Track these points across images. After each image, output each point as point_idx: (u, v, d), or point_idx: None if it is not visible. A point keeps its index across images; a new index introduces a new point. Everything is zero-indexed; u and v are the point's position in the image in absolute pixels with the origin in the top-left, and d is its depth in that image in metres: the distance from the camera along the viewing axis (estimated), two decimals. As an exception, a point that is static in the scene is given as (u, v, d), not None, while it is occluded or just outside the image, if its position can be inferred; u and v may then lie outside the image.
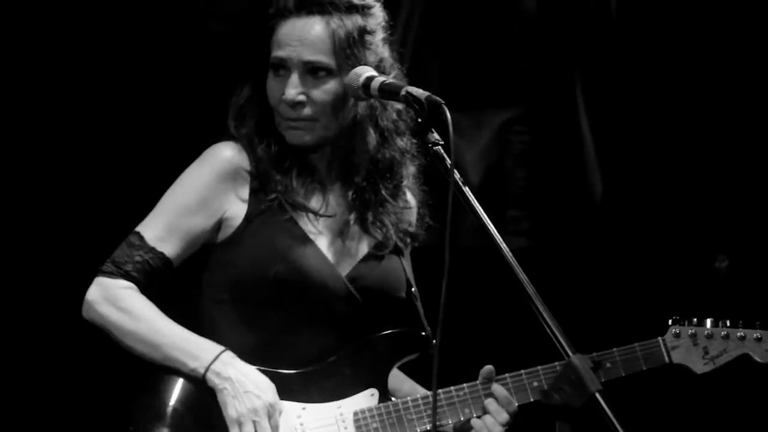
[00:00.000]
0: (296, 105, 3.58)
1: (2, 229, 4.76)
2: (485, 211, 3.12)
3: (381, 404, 3.56)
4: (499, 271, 3.08)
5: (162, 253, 3.55)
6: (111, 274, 3.53)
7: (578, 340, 3.01)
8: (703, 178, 5.29)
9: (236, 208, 3.60)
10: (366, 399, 3.57)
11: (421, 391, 3.68)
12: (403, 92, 3.31)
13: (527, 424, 3.63)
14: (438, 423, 3.51)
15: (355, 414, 3.54)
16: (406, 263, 3.75)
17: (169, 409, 3.49)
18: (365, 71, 3.47)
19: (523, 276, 3.04)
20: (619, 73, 5.31)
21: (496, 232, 3.10)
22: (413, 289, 3.72)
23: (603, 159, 5.34)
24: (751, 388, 4.93)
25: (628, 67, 5.29)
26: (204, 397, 3.49)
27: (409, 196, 3.78)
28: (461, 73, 5.25)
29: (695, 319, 3.68)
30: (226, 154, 3.61)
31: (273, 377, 3.51)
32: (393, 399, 3.58)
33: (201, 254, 3.63)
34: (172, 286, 3.61)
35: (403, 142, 3.71)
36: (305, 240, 3.59)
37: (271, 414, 3.46)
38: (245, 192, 3.61)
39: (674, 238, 5.31)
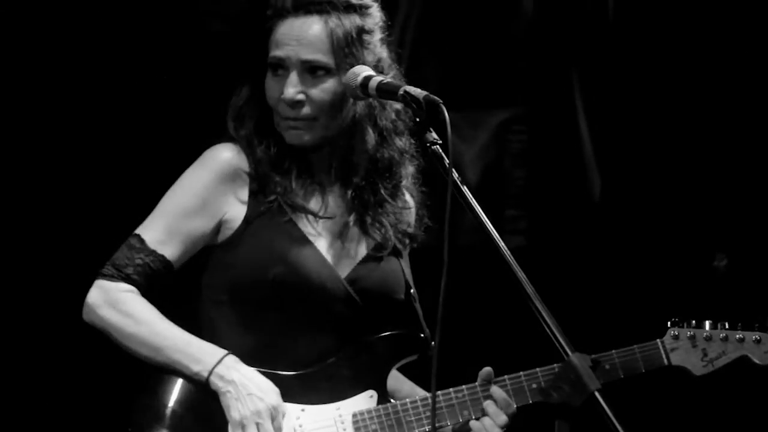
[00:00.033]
0: (295, 104, 3.58)
1: (1, 230, 4.76)
2: (483, 211, 3.12)
3: (380, 406, 3.56)
4: (497, 270, 3.08)
5: (162, 256, 3.54)
6: (111, 277, 3.53)
7: (577, 340, 3.01)
8: (702, 177, 5.29)
9: (236, 210, 3.60)
10: (365, 401, 3.57)
11: (420, 392, 3.68)
12: (401, 92, 3.31)
13: (526, 425, 3.63)
14: (437, 425, 3.51)
15: (354, 416, 3.54)
16: (405, 265, 3.75)
17: (168, 410, 3.49)
18: (363, 71, 3.47)
19: (521, 275, 3.04)
20: (617, 73, 5.31)
21: (494, 231, 3.10)
22: (412, 291, 3.72)
23: (601, 158, 5.34)
24: (751, 389, 4.93)
25: (626, 66, 5.29)
26: (203, 397, 3.49)
27: (408, 197, 3.78)
28: (459, 73, 5.25)
29: (694, 321, 3.67)
30: (225, 156, 3.61)
31: (272, 379, 3.51)
32: (392, 401, 3.58)
33: (200, 256, 3.63)
34: (171, 287, 3.60)
35: (402, 142, 3.71)
36: (304, 242, 3.59)
37: (274, 416, 3.46)
38: (244, 194, 3.61)
39: (673, 237, 5.31)
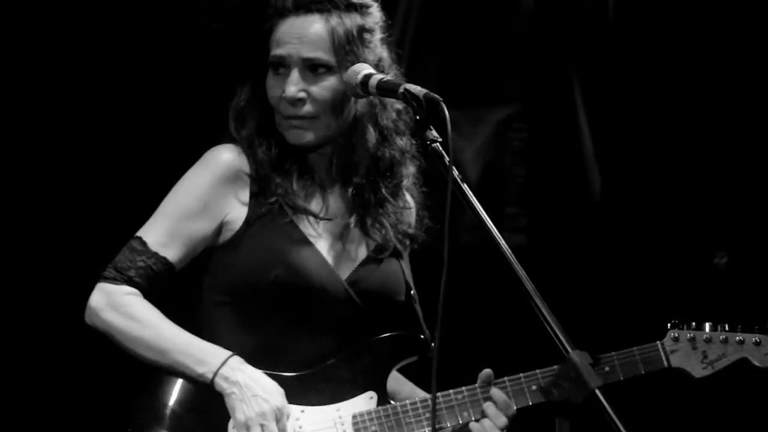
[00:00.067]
0: (297, 102, 3.57)
1: (2, 232, 4.75)
2: (484, 209, 3.12)
3: (380, 407, 3.56)
4: (498, 268, 3.08)
5: (165, 258, 3.54)
6: (114, 280, 3.53)
7: (577, 338, 3.00)
8: (702, 174, 5.29)
9: (237, 212, 3.60)
10: (365, 402, 3.57)
11: (420, 394, 3.68)
12: (401, 89, 3.31)
13: (527, 425, 3.63)
14: (437, 426, 3.51)
15: (354, 417, 3.54)
16: (406, 266, 3.75)
17: (168, 410, 3.49)
18: (363, 68, 3.47)
19: (522, 273, 3.04)
20: (617, 70, 5.30)
21: (494, 229, 3.10)
22: (412, 292, 3.72)
23: (601, 156, 5.34)
24: (750, 391, 4.93)
25: (626, 64, 5.29)
26: (202, 398, 3.49)
27: (408, 197, 3.78)
28: (459, 71, 5.24)
29: (694, 323, 3.67)
30: (226, 157, 3.61)
31: (272, 379, 3.52)
32: (392, 402, 3.58)
33: (201, 257, 3.62)
34: (169, 289, 3.60)
35: (403, 142, 3.71)
36: (305, 243, 3.59)
37: (279, 418, 3.46)
38: (245, 195, 3.61)
39: (673, 235, 5.30)
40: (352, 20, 3.60)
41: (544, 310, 2.99)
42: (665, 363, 3.63)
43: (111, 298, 3.52)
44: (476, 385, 3.57)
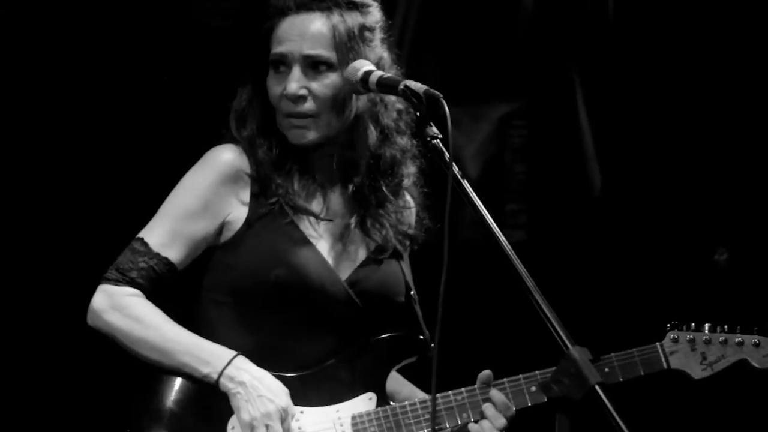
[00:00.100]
0: (298, 99, 3.57)
1: (2, 233, 4.75)
2: (484, 205, 3.12)
3: (379, 408, 3.57)
4: (498, 264, 3.08)
5: (167, 259, 3.54)
6: (116, 282, 3.53)
7: (577, 334, 3.01)
8: (702, 171, 5.29)
9: (237, 212, 3.60)
10: (364, 403, 3.57)
11: (419, 395, 3.68)
12: (401, 86, 3.31)
13: (526, 425, 3.63)
14: (437, 427, 3.51)
15: (353, 418, 3.54)
16: (405, 267, 3.75)
17: (167, 410, 3.49)
18: (364, 65, 3.48)
19: (522, 269, 3.04)
20: (618, 67, 5.30)
21: (495, 225, 3.10)
22: (412, 293, 3.73)
23: (602, 152, 5.34)
24: (748, 392, 4.93)
25: (627, 61, 5.29)
26: (201, 397, 3.50)
27: (409, 198, 3.78)
28: (460, 68, 5.25)
29: (693, 324, 3.67)
30: (227, 157, 3.61)
31: (271, 380, 3.53)
32: (391, 403, 3.59)
33: (201, 256, 3.62)
34: (170, 288, 3.60)
35: (404, 141, 3.71)
36: (306, 244, 3.59)
37: (284, 418, 3.47)
38: (246, 195, 3.61)
39: (673, 232, 5.31)
40: (353, 18, 3.60)
41: (545, 307, 2.99)
42: (664, 364, 3.63)
43: (113, 300, 3.52)
44: (475, 386, 3.57)
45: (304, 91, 3.57)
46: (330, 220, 3.64)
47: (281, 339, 3.56)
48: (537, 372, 3.55)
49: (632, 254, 5.29)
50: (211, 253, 3.62)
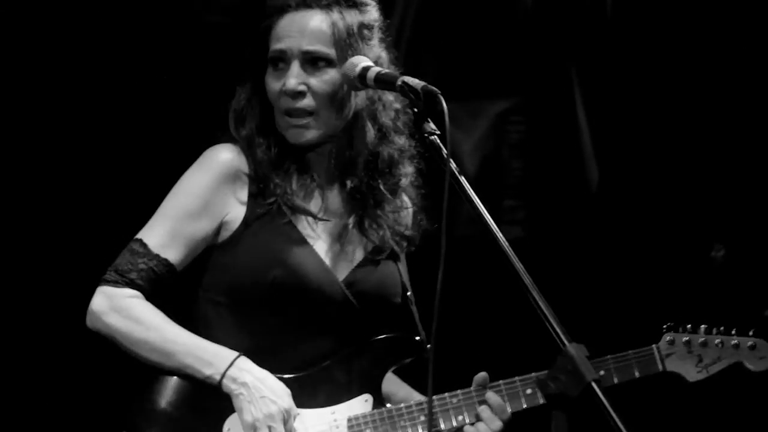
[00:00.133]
0: (297, 95, 3.57)
1: (0, 234, 4.74)
2: (481, 201, 3.12)
3: (375, 410, 3.56)
4: (495, 261, 3.08)
5: (166, 260, 3.54)
6: (116, 283, 3.52)
7: (574, 331, 3.00)
8: (700, 168, 5.29)
9: (236, 211, 3.59)
10: (360, 405, 3.57)
11: (415, 396, 3.68)
12: (399, 82, 3.30)
13: (521, 424, 3.63)
14: (433, 429, 3.51)
15: (350, 420, 3.54)
16: (402, 267, 3.75)
17: (163, 411, 3.49)
18: (362, 61, 3.47)
19: (519, 266, 3.04)
20: (616, 64, 5.30)
21: (492, 222, 3.10)
22: (409, 294, 3.72)
23: (599, 149, 5.34)
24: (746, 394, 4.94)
25: (625, 58, 5.29)
26: (198, 398, 3.50)
27: (406, 198, 3.77)
28: (458, 64, 5.24)
29: (689, 326, 3.66)
30: (225, 157, 3.60)
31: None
32: (387, 405, 3.59)
33: (199, 256, 3.61)
34: (169, 287, 3.59)
35: (402, 141, 3.70)
36: (303, 244, 3.59)
37: (286, 419, 3.46)
38: (244, 195, 3.60)
39: (670, 228, 5.31)
40: (352, 16, 3.60)
41: (542, 303, 2.98)
42: (660, 367, 3.63)
43: (113, 302, 3.51)
44: (471, 388, 3.57)
45: (303, 87, 3.57)
46: (328, 220, 3.63)
47: (278, 339, 3.55)
48: (533, 374, 3.55)
49: (629, 251, 5.29)
50: (209, 252, 3.61)
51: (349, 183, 3.66)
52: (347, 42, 3.56)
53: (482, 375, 3.57)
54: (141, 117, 4.79)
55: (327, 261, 3.60)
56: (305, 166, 3.65)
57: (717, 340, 3.64)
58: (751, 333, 3.64)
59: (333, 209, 3.66)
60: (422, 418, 3.51)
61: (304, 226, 3.60)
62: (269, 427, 3.44)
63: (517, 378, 3.56)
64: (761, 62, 5.19)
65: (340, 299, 3.59)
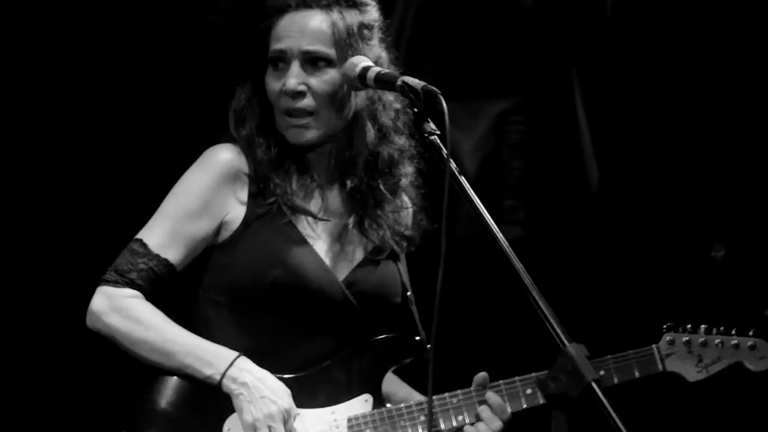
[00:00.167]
0: (297, 95, 3.56)
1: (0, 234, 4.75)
2: (481, 201, 3.12)
3: (375, 410, 3.56)
4: (495, 261, 3.07)
5: (166, 260, 3.53)
6: (116, 283, 3.52)
7: (574, 331, 3.00)
8: (700, 168, 5.29)
9: (236, 211, 3.59)
10: (360, 405, 3.57)
11: (415, 396, 3.68)
12: (399, 82, 3.30)
13: (521, 423, 3.63)
14: (433, 430, 3.51)
15: (350, 420, 3.54)
16: (402, 268, 3.74)
17: (163, 411, 3.49)
18: (362, 61, 3.47)
19: (519, 266, 3.03)
20: (616, 64, 5.30)
21: (492, 222, 3.09)
22: (409, 294, 3.72)
23: (599, 149, 5.34)
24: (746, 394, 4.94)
25: (625, 57, 5.29)
26: (197, 398, 3.50)
27: (406, 198, 3.77)
28: (458, 64, 5.24)
29: (689, 326, 3.66)
30: (225, 157, 3.60)
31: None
32: (387, 405, 3.59)
33: (199, 256, 3.61)
34: (167, 287, 3.59)
35: (402, 141, 3.70)
36: (303, 244, 3.58)
37: (287, 419, 3.46)
38: (244, 195, 3.60)
39: (670, 228, 5.31)
40: (352, 16, 3.60)
41: (542, 303, 2.98)
42: (660, 367, 3.63)
43: (113, 302, 3.51)
44: (471, 388, 3.57)
45: (303, 87, 3.57)
46: (328, 220, 3.63)
47: (278, 339, 3.55)
48: (533, 374, 3.55)
49: (629, 251, 5.29)
50: (209, 252, 3.61)
51: (349, 183, 3.66)
52: (347, 42, 3.56)
53: (482, 375, 3.57)
54: (141, 117, 4.78)
55: (327, 261, 3.60)
56: (305, 166, 3.64)
57: (717, 340, 3.63)
58: (751, 333, 3.64)
59: (333, 209, 3.66)
60: (422, 418, 3.51)
61: (304, 226, 3.60)
62: (269, 427, 3.44)
63: (517, 378, 3.56)
64: (761, 62, 5.18)
65: (340, 299, 3.58)
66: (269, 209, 3.58)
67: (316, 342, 3.57)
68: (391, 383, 3.69)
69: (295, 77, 3.56)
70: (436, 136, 3.20)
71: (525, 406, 3.55)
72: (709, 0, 5.21)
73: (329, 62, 3.57)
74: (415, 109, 3.24)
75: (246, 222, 3.57)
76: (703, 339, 3.63)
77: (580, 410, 2.94)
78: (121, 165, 4.77)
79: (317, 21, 3.57)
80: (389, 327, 3.63)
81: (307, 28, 3.56)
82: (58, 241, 4.73)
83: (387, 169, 3.68)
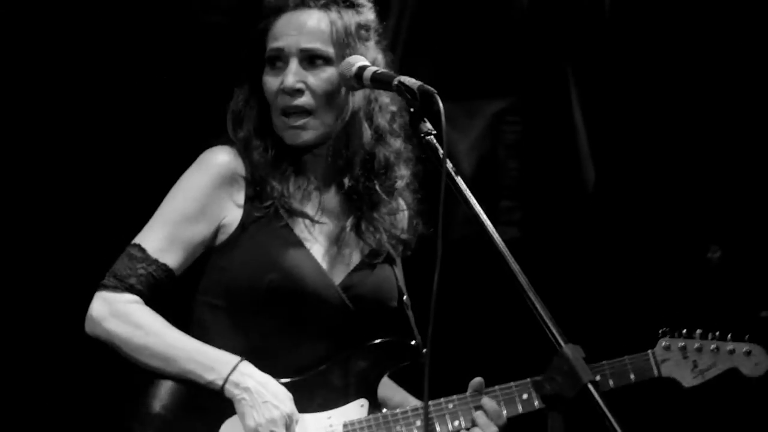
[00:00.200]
0: (294, 93, 3.56)
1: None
2: (477, 201, 3.11)
3: (371, 415, 3.56)
4: (491, 262, 3.07)
5: (165, 264, 3.52)
6: (115, 289, 3.51)
7: (570, 332, 3.00)
8: (696, 169, 5.29)
9: (233, 214, 3.58)
10: (356, 409, 3.56)
11: (411, 401, 3.68)
12: (395, 81, 3.29)
13: (517, 425, 3.62)
14: (428, 434, 3.52)
15: (345, 425, 3.54)
16: (398, 271, 3.74)
17: (160, 415, 3.48)
18: (358, 60, 3.46)
19: (515, 266, 3.03)
20: (612, 65, 5.30)
21: (488, 222, 3.08)
22: (405, 298, 3.71)
23: (596, 149, 5.34)
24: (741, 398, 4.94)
25: (622, 58, 5.29)
26: (194, 401, 3.49)
27: (402, 202, 3.76)
28: (454, 63, 5.24)
29: (685, 331, 3.66)
30: (222, 160, 3.59)
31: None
32: (383, 410, 3.58)
33: (196, 259, 3.60)
34: (165, 291, 3.58)
35: (398, 144, 3.69)
36: (300, 247, 3.58)
37: (289, 424, 3.46)
38: (241, 197, 3.59)
39: (666, 229, 5.31)
40: (350, 16, 3.60)
41: (538, 304, 2.97)
42: (656, 372, 3.63)
43: (113, 307, 3.49)
44: (467, 393, 3.57)
45: (301, 85, 3.56)
46: (324, 223, 3.62)
47: (274, 343, 3.54)
48: (528, 379, 3.54)
49: (625, 252, 5.28)
50: (206, 256, 3.60)
51: (346, 182, 3.65)
52: (345, 41, 3.56)
53: (478, 380, 3.57)
54: (139, 117, 4.78)
55: (323, 264, 3.59)
56: (302, 169, 3.64)
57: (712, 346, 3.63)
58: (746, 338, 3.64)
59: (330, 211, 3.65)
60: (418, 423, 3.50)
61: (301, 229, 3.59)
62: None
63: (512, 383, 3.55)
64: (760, 62, 5.18)
65: (337, 303, 3.58)
66: (266, 212, 3.57)
67: (312, 346, 3.56)
68: (387, 388, 3.69)
69: (293, 74, 3.55)
70: (432, 136, 3.19)
71: (521, 411, 3.55)
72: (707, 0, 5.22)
73: (327, 60, 3.57)
74: (412, 109, 3.23)
75: (243, 225, 3.56)
76: (698, 344, 3.63)
77: (576, 411, 2.93)
78: (120, 166, 4.76)
79: (315, 19, 3.57)
80: (385, 331, 3.62)
81: (306, 27, 3.56)
82: (56, 246, 4.73)
83: (383, 170, 3.68)
